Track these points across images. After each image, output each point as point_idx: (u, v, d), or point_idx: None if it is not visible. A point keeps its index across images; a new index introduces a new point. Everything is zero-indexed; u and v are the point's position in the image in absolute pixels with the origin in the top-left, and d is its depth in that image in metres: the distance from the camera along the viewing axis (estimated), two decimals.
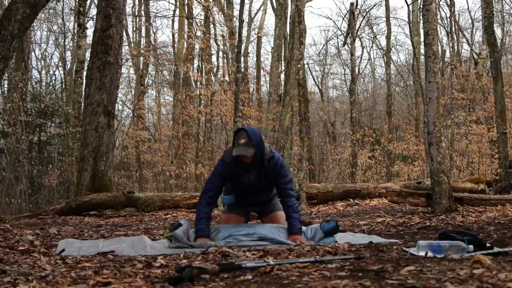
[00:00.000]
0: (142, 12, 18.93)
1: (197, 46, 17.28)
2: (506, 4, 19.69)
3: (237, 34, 10.03)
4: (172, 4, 20.82)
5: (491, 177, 12.56)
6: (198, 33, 16.82)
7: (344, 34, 18.85)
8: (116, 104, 10.09)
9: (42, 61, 22.24)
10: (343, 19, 24.96)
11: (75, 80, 11.98)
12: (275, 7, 16.22)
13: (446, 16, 17.96)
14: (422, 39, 15.09)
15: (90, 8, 17.28)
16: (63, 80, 18.94)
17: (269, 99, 15.71)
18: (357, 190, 9.04)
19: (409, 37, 17.66)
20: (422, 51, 15.08)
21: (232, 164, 3.72)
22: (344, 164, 18.81)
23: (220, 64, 18.87)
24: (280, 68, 16.03)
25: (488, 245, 2.76)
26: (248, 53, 19.14)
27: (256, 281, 1.99)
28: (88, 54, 11.62)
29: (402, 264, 2.21)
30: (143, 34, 19.47)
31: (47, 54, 27.46)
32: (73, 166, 11.83)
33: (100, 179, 8.65)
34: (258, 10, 24.17)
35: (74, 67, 13.25)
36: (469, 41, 19.70)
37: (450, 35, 17.40)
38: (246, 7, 19.63)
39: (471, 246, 2.69)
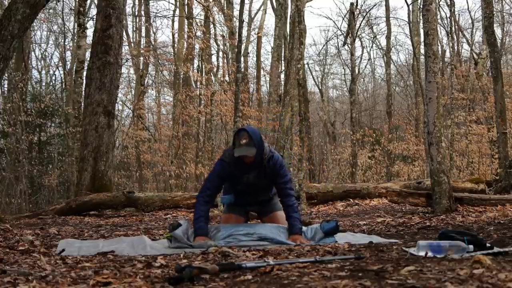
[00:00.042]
0: (142, 12, 18.94)
1: (197, 46, 17.29)
2: (506, 4, 19.71)
3: (237, 34, 10.03)
4: (172, 4, 20.84)
5: (491, 177, 12.56)
6: (198, 33, 16.83)
7: (344, 34, 18.86)
8: (116, 104, 10.10)
9: (42, 61, 22.27)
10: (343, 19, 24.98)
11: (75, 80, 11.98)
12: (275, 7, 16.22)
13: (446, 16, 17.99)
14: (422, 39, 15.09)
15: (90, 8, 17.30)
16: (63, 80, 18.94)
17: (269, 99, 15.71)
18: (357, 190, 9.04)
19: (409, 37, 17.66)
20: (422, 51, 15.08)
21: (231, 164, 3.73)
22: (344, 164, 18.81)
23: (220, 64, 18.89)
24: (280, 68, 16.03)
25: (488, 245, 2.76)
26: (248, 53, 19.16)
27: (256, 281, 1.99)
28: (88, 54, 11.62)
29: (402, 264, 2.21)
30: (143, 34, 19.48)
31: (47, 54, 27.51)
32: (73, 166, 11.84)
33: (100, 179, 8.65)
34: (258, 10, 24.19)
35: (74, 67, 13.25)
36: (469, 41, 19.71)
37: (450, 35, 17.41)
38: (246, 7, 19.66)
39: (471, 246, 2.69)
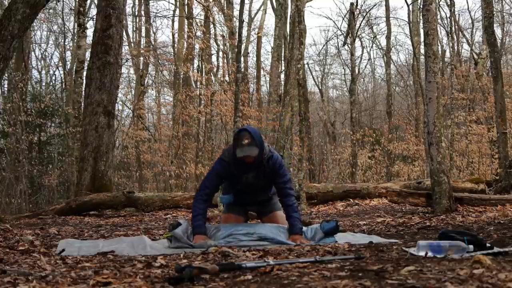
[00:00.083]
0: (142, 12, 18.94)
1: (197, 46, 17.29)
2: (506, 4, 19.71)
3: (237, 34, 10.03)
4: (172, 4, 20.83)
5: (491, 177, 12.56)
6: (198, 33, 16.83)
7: (344, 34, 18.86)
8: (116, 104, 10.10)
9: (42, 61, 22.27)
10: (343, 19, 24.98)
11: (75, 80, 11.98)
12: (275, 7, 16.22)
13: (446, 16, 17.99)
14: (422, 39, 15.09)
15: (90, 8, 17.31)
16: (63, 80, 18.94)
17: (269, 99, 15.71)
18: (357, 190, 9.04)
19: (409, 37, 17.66)
20: (422, 51, 15.08)
21: (231, 163, 3.73)
22: (344, 164, 18.81)
23: (220, 64, 18.89)
24: (280, 68, 16.03)
25: (488, 245, 2.76)
26: (248, 53, 19.16)
27: (256, 281, 1.99)
28: (88, 54, 11.63)
29: (402, 264, 2.21)
30: (143, 34, 19.48)
31: (47, 54, 27.53)
32: (73, 166, 11.84)
33: (100, 179, 8.65)
34: (258, 10, 24.19)
35: (74, 67, 13.25)
36: (469, 41, 19.71)
37: (450, 35, 17.41)
38: (246, 7, 19.65)
39: (471, 246, 2.69)
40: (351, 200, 8.74)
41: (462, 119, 16.71)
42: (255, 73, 19.91)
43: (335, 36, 27.11)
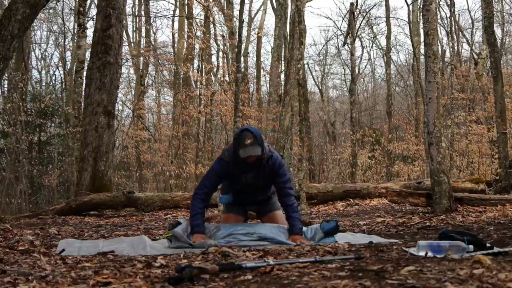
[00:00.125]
0: (142, 12, 18.94)
1: (197, 46, 17.29)
2: (506, 4, 19.71)
3: (237, 34, 10.03)
4: (172, 4, 20.84)
5: (491, 177, 12.56)
6: (198, 33, 16.83)
7: (344, 34, 18.85)
8: (116, 104, 10.10)
9: (42, 61, 22.27)
10: (343, 19, 24.98)
11: (75, 80, 11.98)
12: (275, 7, 16.22)
13: (446, 16, 17.99)
14: (422, 39, 15.09)
15: (90, 8, 17.30)
16: (63, 80, 18.95)
17: (269, 99, 15.71)
18: (357, 190, 9.04)
19: (409, 37, 17.66)
20: (422, 51, 15.08)
21: (230, 163, 3.72)
22: (344, 164, 18.81)
23: (220, 64, 18.89)
24: (280, 68, 16.03)
25: (488, 245, 2.76)
26: (248, 53, 19.16)
27: (256, 281, 1.99)
28: (88, 54, 11.63)
29: (402, 264, 2.21)
30: (143, 34, 19.48)
31: (47, 54, 27.52)
32: (73, 166, 11.84)
33: (100, 179, 8.65)
34: (258, 10, 24.19)
35: (74, 67, 13.25)
36: (469, 41, 19.71)
37: (450, 35, 17.41)
38: (246, 7, 19.65)
39: (471, 246, 2.69)
40: (351, 200, 8.74)
41: (462, 119, 16.71)
42: (255, 73, 19.92)
43: (335, 36, 27.14)
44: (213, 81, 17.48)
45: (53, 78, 21.51)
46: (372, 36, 24.08)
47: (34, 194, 13.40)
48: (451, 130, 15.59)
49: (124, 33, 14.51)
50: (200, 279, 2.06)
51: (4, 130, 13.29)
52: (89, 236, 4.52)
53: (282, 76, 15.55)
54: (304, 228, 3.77)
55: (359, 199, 8.76)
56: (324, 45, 29.27)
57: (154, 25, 21.19)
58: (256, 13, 22.58)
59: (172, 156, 16.64)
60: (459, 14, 22.90)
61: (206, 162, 15.91)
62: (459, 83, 17.13)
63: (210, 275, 2.13)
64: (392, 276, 1.92)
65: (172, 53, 19.06)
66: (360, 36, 21.90)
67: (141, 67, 18.47)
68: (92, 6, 17.68)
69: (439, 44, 16.91)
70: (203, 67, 17.18)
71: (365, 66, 29.88)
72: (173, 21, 19.63)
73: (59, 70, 21.05)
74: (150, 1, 19.26)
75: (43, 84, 20.07)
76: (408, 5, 16.06)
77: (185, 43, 17.34)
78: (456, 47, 18.45)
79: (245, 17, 19.54)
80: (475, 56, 17.14)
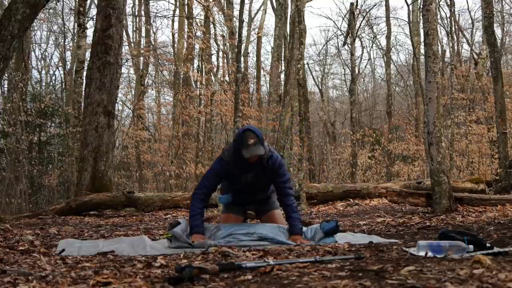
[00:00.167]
0: (142, 12, 18.94)
1: (197, 46, 17.29)
2: (506, 4, 19.71)
3: (237, 34, 10.03)
4: (172, 4, 20.84)
5: (491, 177, 12.56)
6: (198, 33, 16.83)
7: (344, 34, 18.85)
8: (116, 104, 10.10)
9: (42, 61, 22.28)
10: (343, 19, 24.98)
11: (75, 80, 11.98)
12: (275, 7, 16.22)
13: (446, 16, 17.99)
14: (422, 39, 15.09)
15: (90, 8, 17.30)
16: (63, 80, 18.95)
17: (269, 99, 15.71)
18: (357, 190, 9.04)
19: (409, 37, 17.66)
20: (422, 51, 15.08)
21: (231, 163, 3.72)
22: (344, 164, 18.81)
23: (220, 64, 18.89)
24: (280, 68, 16.03)
25: (488, 245, 2.76)
26: (248, 53, 19.16)
27: (256, 281, 1.99)
28: (88, 54, 11.63)
29: (402, 264, 2.21)
30: (143, 34, 19.48)
31: (47, 54, 27.52)
32: (73, 166, 11.84)
33: (100, 179, 8.65)
34: (258, 10, 24.21)
35: (74, 67, 13.25)
36: (469, 41, 19.71)
37: (450, 35, 17.41)
38: (246, 7, 19.65)
39: (471, 246, 2.69)
40: (351, 200, 8.74)
41: (462, 119, 16.70)
42: (255, 73, 19.92)
43: (335, 36, 27.14)
44: (213, 81, 17.48)
45: (53, 78, 21.54)
46: (372, 36, 24.11)
47: (34, 194, 13.40)
48: (451, 130, 15.59)
49: (124, 33, 14.52)
50: (200, 279, 2.06)
51: (4, 130, 13.29)
52: (89, 236, 4.52)
53: (282, 76, 15.55)
54: (304, 228, 3.77)
55: (359, 199, 8.76)
56: (324, 45, 29.30)
57: (154, 25, 21.22)
58: (256, 13, 22.61)
59: (172, 156, 16.64)
60: (459, 14, 22.95)
61: (206, 162, 15.91)
62: (459, 83, 17.13)
63: (210, 275, 2.13)
64: (392, 276, 1.92)
65: (172, 53, 19.06)
66: (360, 36, 21.92)
67: (141, 67, 18.48)
68: (92, 6, 17.70)
69: (439, 44, 16.92)
70: (203, 67, 17.19)
71: (365, 66, 29.91)
72: (173, 21, 19.66)
73: (59, 70, 21.08)
74: (150, 1, 19.27)
75: (43, 84, 20.10)
76: (408, 5, 16.07)
77: (185, 43, 17.35)
78: (456, 47, 18.47)
79: (245, 17, 19.56)
80: (475, 56, 17.13)
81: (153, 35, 19.66)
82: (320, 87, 25.74)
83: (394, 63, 23.80)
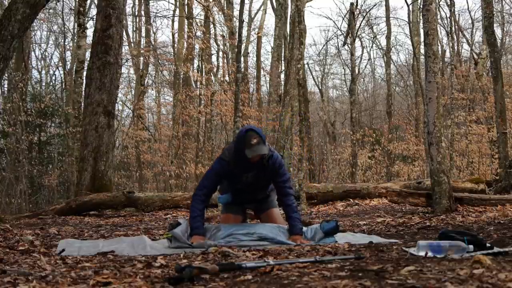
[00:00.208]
0: (142, 12, 18.94)
1: (197, 46, 17.29)
2: (506, 4, 19.71)
3: (237, 34, 10.03)
4: (172, 4, 20.84)
5: (491, 177, 12.55)
6: (198, 33, 16.84)
7: (344, 34, 18.85)
8: (116, 104, 10.10)
9: (42, 61, 22.28)
10: (343, 19, 24.98)
11: (75, 80, 11.98)
12: (275, 7, 16.22)
13: (446, 16, 17.98)
14: (422, 39, 15.09)
15: (90, 8, 17.31)
16: (63, 80, 18.95)
17: (269, 99, 15.71)
18: (357, 190, 9.04)
19: (409, 37, 17.66)
20: (422, 51, 15.08)
21: (231, 163, 3.72)
22: (344, 164, 18.81)
23: (220, 64, 18.89)
24: (280, 68, 16.03)
25: (488, 245, 2.76)
26: (248, 53, 19.16)
27: (256, 281, 1.99)
28: (88, 54, 11.63)
29: (402, 264, 2.21)
30: (143, 34, 19.48)
31: (47, 54, 27.53)
32: (73, 166, 11.84)
33: (100, 179, 8.65)
34: (258, 10, 24.20)
35: (74, 67, 13.25)
36: (469, 41, 19.71)
37: (450, 35, 17.41)
38: (246, 7, 19.65)
39: (471, 246, 2.69)
40: (351, 200, 8.74)
41: (462, 119, 16.70)
42: (255, 73, 19.92)
43: (335, 36, 27.13)
44: (213, 81, 17.49)
45: (53, 78, 21.54)
46: (372, 36, 24.11)
47: (34, 194, 13.40)
48: (451, 130, 15.59)
49: (124, 33, 14.52)
50: (200, 279, 2.06)
51: (4, 130, 13.30)
52: (89, 236, 4.52)
53: (282, 76, 15.55)
54: (304, 228, 3.77)
55: (359, 199, 8.76)
56: (324, 45, 29.31)
57: (154, 25, 21.21)
58: (256, 13, 22.61)
59: (172, 156, 16.64)
60: (459, 14, 22.94)
61: (206, 162, 15.91)
62: (459, 83, 17.13)
63: (210, 275, 2.13)
64: (392, 276, 1.92)
65: (172, 53, 19.06)
66: (360, 36, 21.92)
67: (141, 67, 18.48)
68: (92, 6, 17.70)
69: (439, 44, 16.92)
70: (203, 67, 17.19)
71: (365, 66, 29.91)
72: (173, 21, 19.66)
73: (59, 70, 21.08)
74: (150, 1, 19.27)
75: (43, 84, 20.10)
76: (408, 5, 16.08)
77: (185, 43, 17.35)
78: (456, 47, 18.47)
79: (245, 17, 19.56)
80: (475, 56, 17.13)
81: (153, 35, 19.67)
82: (320, 87, 25.75)
83: (394, 63, 23.83)
